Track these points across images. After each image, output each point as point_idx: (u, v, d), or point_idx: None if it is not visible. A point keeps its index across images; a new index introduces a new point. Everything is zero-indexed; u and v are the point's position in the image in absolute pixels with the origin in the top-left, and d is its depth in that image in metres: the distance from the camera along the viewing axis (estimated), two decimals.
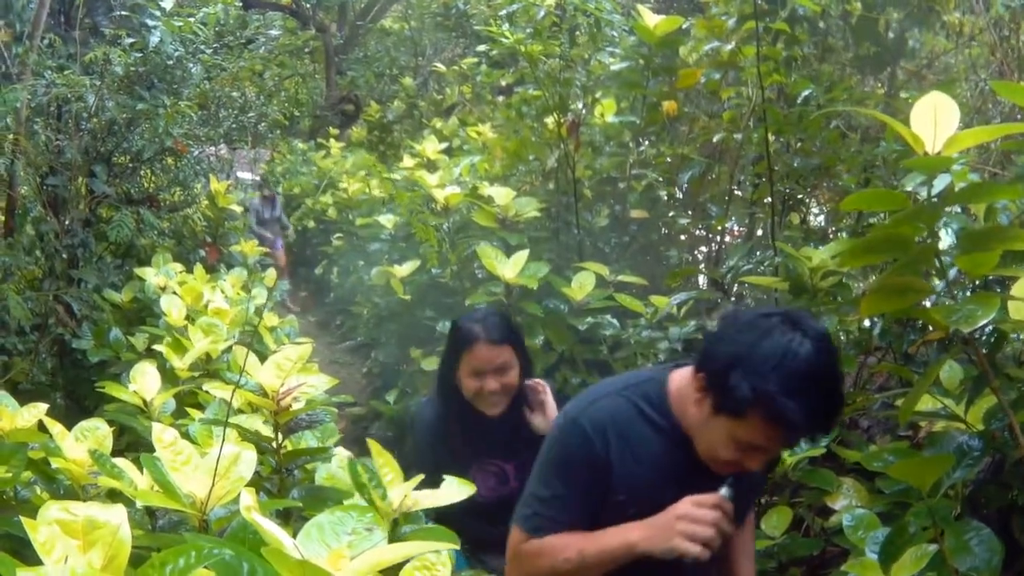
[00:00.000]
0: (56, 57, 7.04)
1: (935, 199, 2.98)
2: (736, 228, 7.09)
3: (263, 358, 3.21)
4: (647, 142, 7.36)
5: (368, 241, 10.01)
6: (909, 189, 3.67)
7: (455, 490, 2.55)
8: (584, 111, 7.27)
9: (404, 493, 2.48)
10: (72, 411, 6.30)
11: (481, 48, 8.45)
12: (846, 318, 4.32)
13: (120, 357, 6.16)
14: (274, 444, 3.10)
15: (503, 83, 10.26)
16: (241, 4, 13.49)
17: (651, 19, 6.22)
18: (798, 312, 2.52)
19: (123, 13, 7.45)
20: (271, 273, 9.35)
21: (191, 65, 7.70)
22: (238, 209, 10.98)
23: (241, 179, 16.00)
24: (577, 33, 7.52)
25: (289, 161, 16.77)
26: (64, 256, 6.87)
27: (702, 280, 6.92)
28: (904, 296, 2.81)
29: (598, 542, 2.56)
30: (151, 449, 2.57)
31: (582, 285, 5.91)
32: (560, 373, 5.87)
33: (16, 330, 6.33)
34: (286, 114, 14.11)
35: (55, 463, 2.94)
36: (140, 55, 7.01)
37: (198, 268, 7.32)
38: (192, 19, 7.47)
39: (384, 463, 2.50)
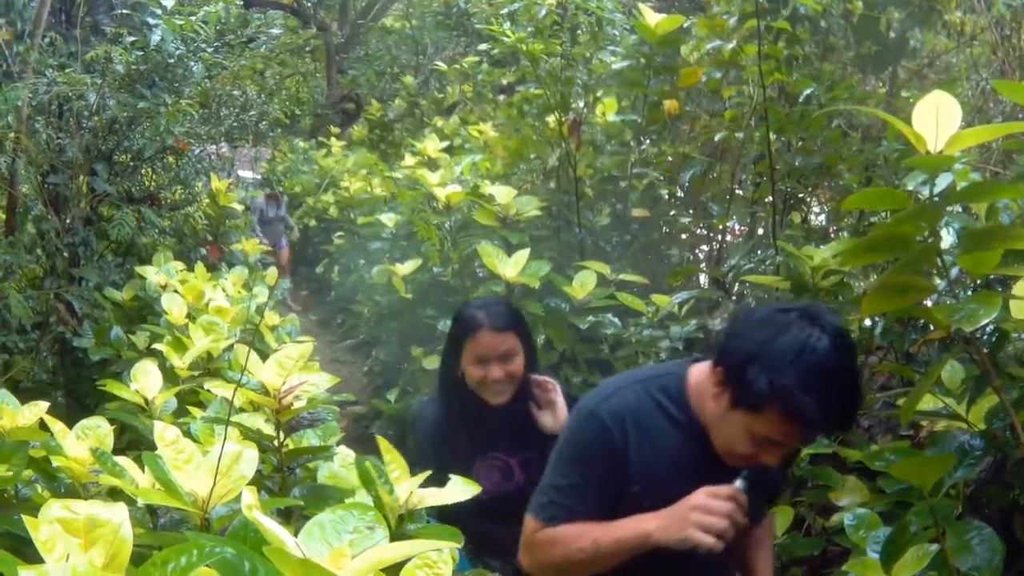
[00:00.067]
0: (57, 55, 7.04)
1: (937, 198, 2.97)
2: (737, 227, 7.08)
3: (264, 356, 3.21)
4: (648, 141, 7.36)
5: (369, 240, 10.02)
6: (910, 188, 3.67)
7: (460, 489, 2.54)
8: (585, 110, 7.27)
9: (410, 490, 2.48)
10: (73, 409, 6.30)
11: (482, 47, 8.45)
12: (848, 317, 4.32)
13: (121, 355, 6.16)
14: (276, 443, 3.10)
15: (504, 82, 10.27)
16: (242, 3, 13.48)
17: (652, 18, 6.22)
18: (817, 307, 2.51)
19: (124, 11, 7.44)
20: (272, 272, 9.35)
21: (192, 63, 7.69)
22: (239, 207, 10.98)
23: (242, 177, 16.00)
24: (578, 32, 7.52)
25: (290, 160, 16.75)
26: (65, 254, 6.87)
27: (703, 279, 6.92)
28: (905, 295, 2.81)
29: (613, 532, 2.56)
30: (152, 448, 2.57)
31: (583, 284, 5.91)
32: (561, 372, 5.87)
33: (17, 328, 6.32)
34: (287, 113, 14.06)
35: (56, 461, 2.94)
36: (141, 53, 7.00)
37: (199, 266, 7.32)
38: (193, 17, 7.46)
39: (391, 460, 2.50)
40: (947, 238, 3.21)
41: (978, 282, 3.74)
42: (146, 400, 3.99)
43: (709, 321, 5.51)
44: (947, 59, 8.13)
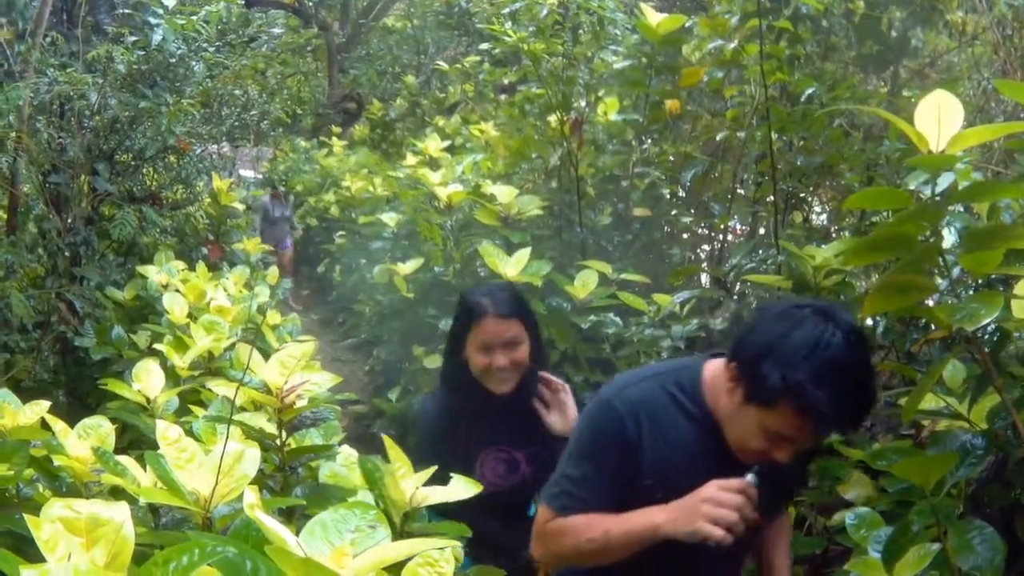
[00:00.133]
0: (59, 55, 7.04)
1: (938, 198, 2.97)
2: (739, 226, 7.09)
3: (266, 356, 3.22)
4: (650, 140, 7.36)
5: (371, 239, 10.03)
6: (912, 188, 3.67)
7: (462, 487, 2.54)
8: (587, 109, 7.27)
9: (415, 488, 2.48)
10: (74, 409, 6.30)
11: (484, 46, 8.44)
12: None
13: (122, 355, 6.17)
14: (278, 442, 3.10)
15: (506, 81, 10.26)
16: (243, 2, 13.53)
17: (654, 17, 6.22)
18: (831, 304, 2.52)
19: (126, 11, 7.44)
20: (273, 271, 9.36)
21: (194, 63, 7.70)
22: (240, 207, 10.99)
23: (244, 177, 16.01)
24: (580, 31, 7.53)
25: (291, 159, 16.79)
26: (66, 254, 6.87)
27: (705, 279, 6.92)
28: (907, 295, 2.81)
29: (623, 523, 2.56)
30: (153, 447, 2.57)
31: (585, 283, 5.91)
32: (563, 371, 5.86)
33: (18, 328, 6.33)
34: (288, 112, 14.10)
35: (58, 460, 2.94)
36: (143, 53, 7.01)
37: (200, 266, 7.32)
38: (195, 17, 7.47)
39: (396, 458, 2.50)
40: (949, 238, 3.21)
41: (980, 282, 3.74)
42: (148, 399, 3.99)
43: (711, 320, 5.52)
44: (949, 59, 8.14)
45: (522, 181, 8.16)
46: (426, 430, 3.87)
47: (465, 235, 7.29)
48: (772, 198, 5.66)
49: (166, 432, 2.50)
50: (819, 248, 4.55)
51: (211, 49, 8.04)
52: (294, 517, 2.91)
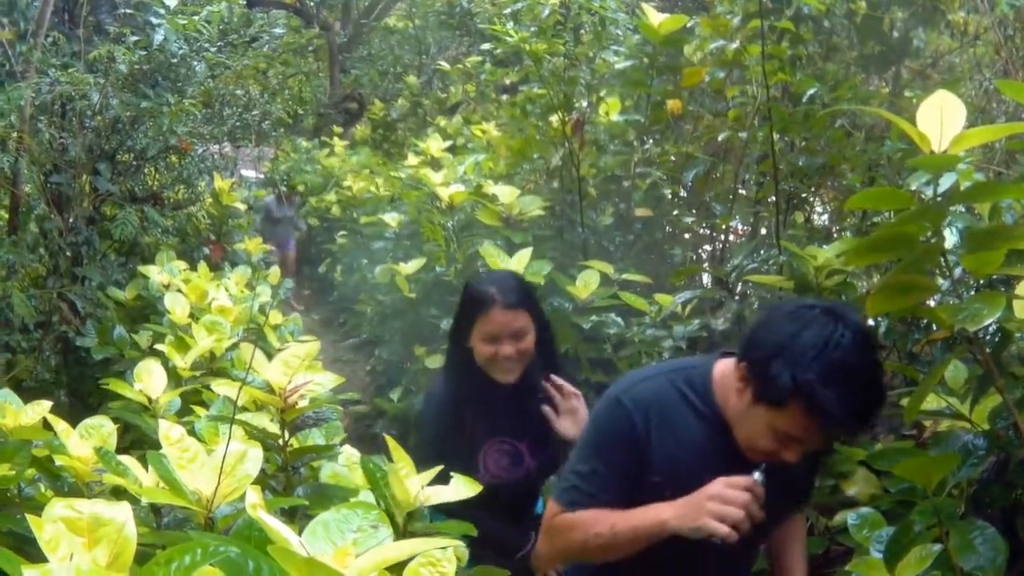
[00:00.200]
0: (60, 55, 7.04)
1: (940, 198, 2.97)
2: (740, 227, 7.08)
3: (267, 356, 3.22)
4: (651, 141, 7.36)
5: (372, 239, 10.04)
6: (914, 188, 3.67)
7: (463, 487, 2.54)
8: (588, 109, 7.28)
9: (418, 488, 2.47)
10: (76, 409, 6.30)
11: (485, 46, 8.45)
12: None
13: (124, 355, 6.17)
14: (280, 442, 3.10)
15: (507, 81, 10.28)
16: (245, 2, 13.54)
17: (655, 18, 6.21)
18: (841, 305, 2.52)
19: (127, 11, 7.44)
20: (275, 271, 9.36)
21: (195, 63, 7.70)
22: (242, 207, 10.99)
23: (245, 177, 16.00)
24: (581, 31, 7.53)
25: (293, 159, 16.79)
26: (68, 254, 6.88)
27: (706, 279, 6.92)
28: (909, 295, 2.81)
29: (630, 519, 2.57)
30: (155, 447, 2.57)
31: (586, 283, 5.91)
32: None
33: (20, 327, 6.33)
34: (290, 112, 14.09)
35: (60, 460, 2.94)
36: (144, 53, 7.01)
37: (202, 266, 7.32)
38: (196, 17, 7.46)
39: (399, 458, 2.50)
40: (950, 238, 3.21)
41: (981, 282, 3.74)
42: (149, 399, 3.99)
43: (712, 321, 5.51)
44: (950, 59, 8.13)
45: (524, 181, 8.16)
46: (430, 418, 3.84)
47: (467, 235, 7.30)
48: (774, 198, 5.65)
49: (169, 432, 2.50)
50: (821, 248, 4.55)
51: (213, 49, 8.03)
52: (296, 517, 2.91)
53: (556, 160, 7.30)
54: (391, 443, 2.57)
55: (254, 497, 2.05)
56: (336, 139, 17.92)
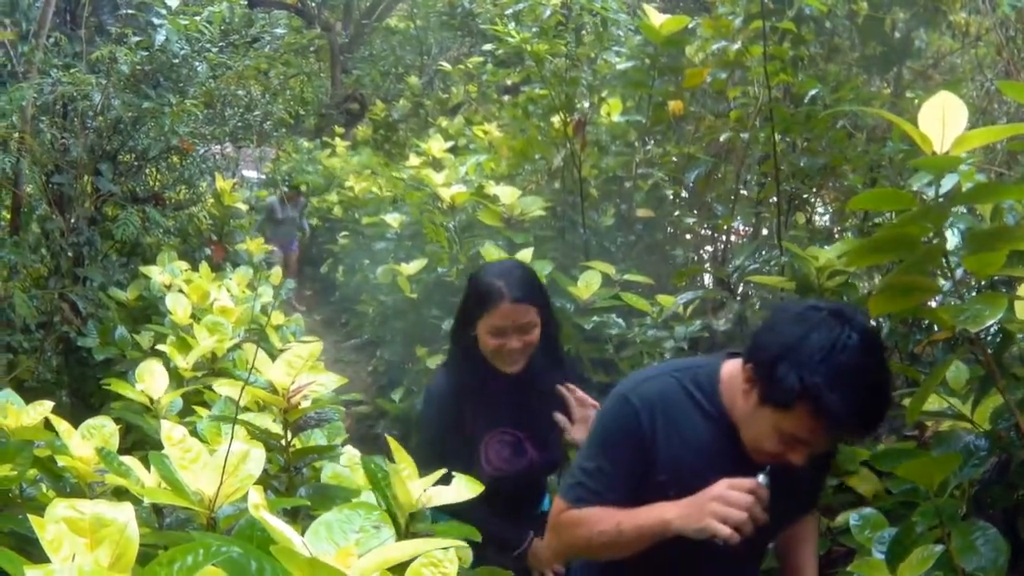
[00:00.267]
0: (62, 56, 7.05)
1: (942, 199, 2.97)
2: (742, 227, 7.07)
3: (270, 356, 3.22)
4: (653, 141, 7.36)
5: (374, 239, 10.04)
6: (915, 189, 3.67)
7: (465, 487, 2.54)
8: (590, 110, 7.27)
9: (421, 489, 2.48)
10: (77, 409, 6.31)
11: (487, 47, 8.46)
12: None
13: (125, 355, 6.18)
14: (283, 442, 3.11)
15: (509, 82, 10.27)
16: (246, 2, 13.51)
17: (657, 18, 6.21)
18: (847, 307, 2.51)
19: (129, 12, 7.45)
20: (276, 271, 9.37)
21: (197, 64, 7.71)
22: (243, 207, 11.00)
23: (246, 177, 16.01)
24: (583, 32, 7.53)
25: (295, 160, 16.80)
26: (70, 254, 6.89)
27: (708, 279, 6.92)
28: (911, 296, 2.81)
29: (635, 518, 2.56)
30: (157, 447, 2.58)
31: (588, 284, 5.90)
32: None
33: (22, 328, 6.34)
34: (291, 113, 14.10)
35: (62, 461, 2.94)
36: (146, 54, 7.02)
37: (203, 266, 7.34)
38: (198, 18, 7.47)
39: (401, 459, 2.50)
40: (952, 239, 3.20)
41: (983, 283, 3.74)
42: (151, 400, 3.99)
43: (714, 321, 5.51)
44: (952, 60, 8.13)
45: (525, 182, 8.17)
46: (432, 408, 3.81)
47: (468, 236, 7.30)
48: (775, 199, 5.65)
49: (171, 432, 2.50)
50: (822, 249, 4.54)
51: (214, 50, 8.04)
52: (299, 517, 2.92)
53: (558, 161, 7.30)
54: (393, 444, 2.57)
55: (257, 497, 2.05)
56: (338, 139, 17.94)
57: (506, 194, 6.97)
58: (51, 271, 6.92)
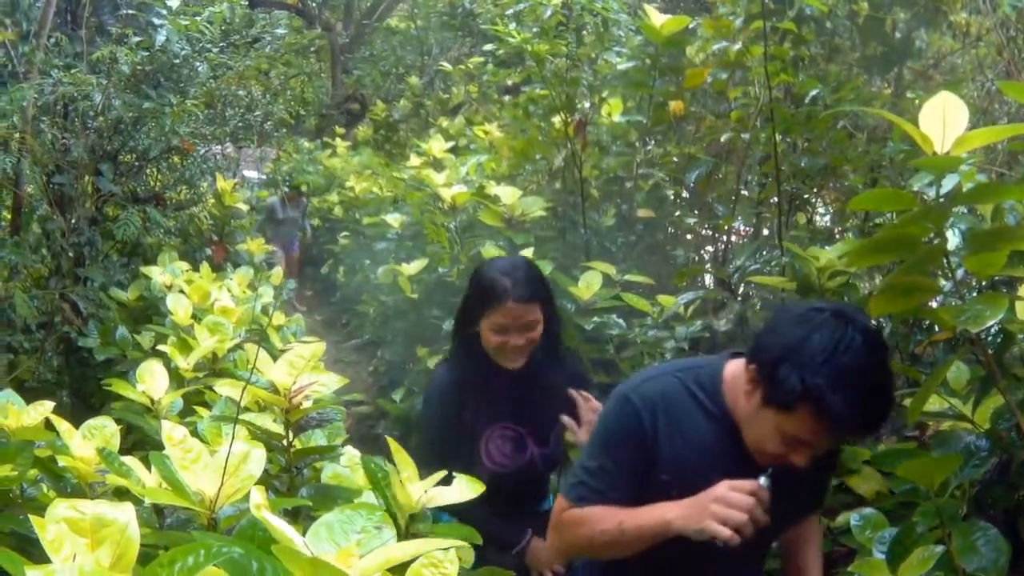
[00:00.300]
0: (62, 56, 7.05)
1: (943, 199, 2.97)
2: (743, 228, 7.07)
3: (271, 357, 3.22)
4: (654, 142, 7.36)
5: (374, 240, 10.04)
6: (916, 189, 3.67)
7: (466, 487, 2.54)
8: (591, 110, 7.27)
9: (421, 490, 2.48)
10: (78, 409, 6.31)
11: (488, 47, 8.45)
12: None
13: (126, 355, 6.18)
14: (285, 442, 3.11)
15: (509, 82, 10.28)
16: (247, 3, 13.52)
17: (658, 19, 6.21)
18: (850, 308, 2.51)
19: (129, 12, 7.45)
20: (277, 272, 9.37)
21: (197, 64, 7.71)
22: (244, 208, 11.00)
23: (247, 178, 16.00)
24: (584, 32, 7.52)
25: (295, 160, 16.79)
26: (70, 254, 6.89)
27: (709, 279, 6.91)
28: (911, 296, 2.81)
29: (636, 517, 2.57)
30: (157, 448, 2.58)
31: (588, 284, 5.90)
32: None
33: (22, 328, 6.34)
34: (292, 113, 14.08)
35: (62, 461, 2.94)
36: (146, 54, 7.02)
37: (204, 266, 7.34)
38: (198, 18, 7.46)
39: (401, 460, 2.50)
40: (953, 239, 3.20)
41: (984, 283, 3.74)
42: (152, 400, 3.99)
43: (714, 322, 5.50)
44: (952, 60, 8.12)
45: (526, 182, 8.17)
46: (434, 400, 3.82)
47: (469, 236, 7.29)
48: (776, 199, 5.65)
49: (171, 433, 2.50)
50: (823, 249, 4.53)
51: (215, 50, 8.04)
52: (299, 518, 2.92)
53: (558, 161, 7.30)
54: (393, 445, 2.57)
55: (258, 497, 2.05)
56: (338, 140, 17.94)
57: (507, 194, 6.96)
58: (52, 271, 6.92)
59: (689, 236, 7.28)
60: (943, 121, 2.60)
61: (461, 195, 7.42)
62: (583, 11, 7.08)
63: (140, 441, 4.20)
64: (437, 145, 10.99)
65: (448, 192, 7.49)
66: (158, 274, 6.99)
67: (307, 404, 3.11)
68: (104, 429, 3.13)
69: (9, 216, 6.94)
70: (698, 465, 2.61)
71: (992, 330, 3.32)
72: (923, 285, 2.80)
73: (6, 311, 6.19)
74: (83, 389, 6.76)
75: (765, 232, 6.67)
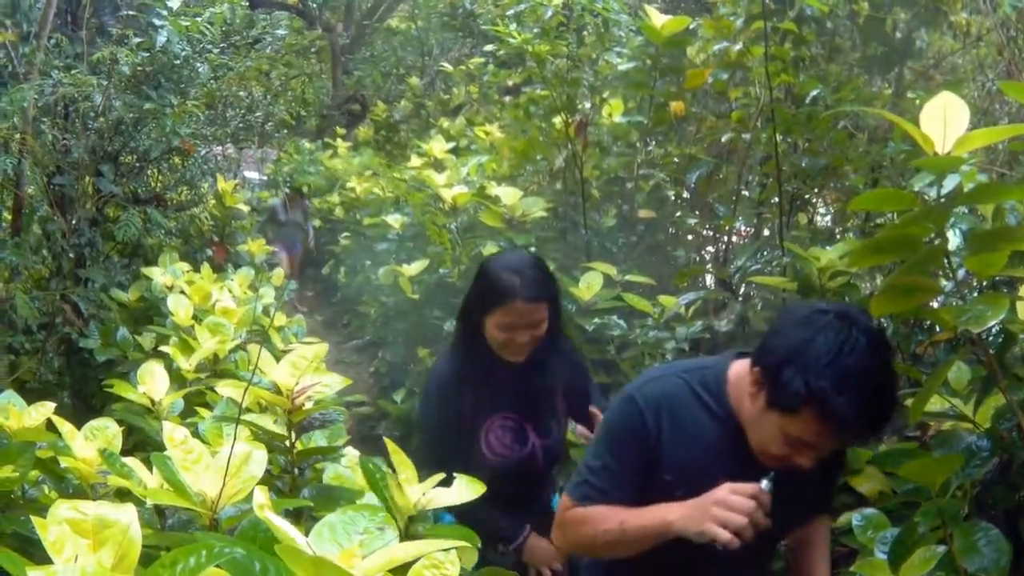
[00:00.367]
0: (63, 57, 7.05)
1: (944, 199, 2.97)
2: (744, 228, 7.07)
3: (275, 358, 3.23)
4: (654, 142, 7.36)
5: (375, 240, 10.05)
6: (917, 189, 3.67)
7: (466, 488, 2.54)
8: (592, 111, 7.27)
9: (419, 492, 2.47)
10: (79, 410, 6.31)
11: (488, 48, 8.46)
12: None
13: (127, 356, 6.18)
14: (287, 443, 3.11)
15: (510, 83, 10.28)
16: (247, 3, 13.53)
17: (658, 19, 6.21)
18: (854, 309, 2.51)
19: (130, 13, 7.45)
20: (278, 272, 9.37)
21: (198, 64, 7.71)
22: (245, 209, 11.00)
23: (248, 178, 16.00)
24: (584, 33, 7.52)
25: (296, 161, 16.79)
26: (71, 255, 6.89)
27: (710, 280, 6.91)
28: (912, 297, 2.81)
29: (639, 518, 2.57)
30: (158, 449, 2.58)
31: (589, 285, 5.90)
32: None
33: (23, 329, 6.34)
34: (292, 114, 14.12)
35: (64, 462, 2.94)
36: (147, 55, 7.02)
37: (205, 267, 7.34)
38: (199, 18, 7.47)
39: (399, 462, 2.50)
40: (954, 240, 3.20)
41: (985, 284, 3.74)
42: (152, 401, 3.99)
43: (715, 322, 5.50)
44: (953, 60, 8.12)
45: (527, 183, 8.17)
46: (434, 390, 3.81)
47: (470, 237, 7.30)
48: (777, 200, 5.65)
49: (173, 434, 2.50)
50: (824, 250, 4.53)
51: (215, 51, 8.05)
52: (302, 519, 2.92)
53: (559, 162, 7.30)
54: (391, 446, 2.57)
55: (262, 497, 2.05)
56: (339, 140, 17.93)
57: (508, 195, 6.96)
58: (53, 272, 6.92)
59: (690, 236, 7.28)
60: (944, 121, 2.60)
61: (462, 196, 7.43)
62: (584, 12, 7.08)
63: (141, 442, 4.20)
64: (438, 146, 10.99)
65: (449, 193, 7.50)
66: (159, 275, 7.00)
67: (310, 405, 3.11)
68: (106, 430, 3.12)
69: (10, 217, 6.94)
70: (703, 466, 2.61)
71: (993, 330, 3.32)
72: (924, 285, 2.79)
73: (7, 312, 6.19)
74: (84, 390, 6.76)
75: (766, 232, 6.67)
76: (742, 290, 5.92)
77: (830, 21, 6.57)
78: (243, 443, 2.53)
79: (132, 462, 2.67)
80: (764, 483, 2.45)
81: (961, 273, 3.08)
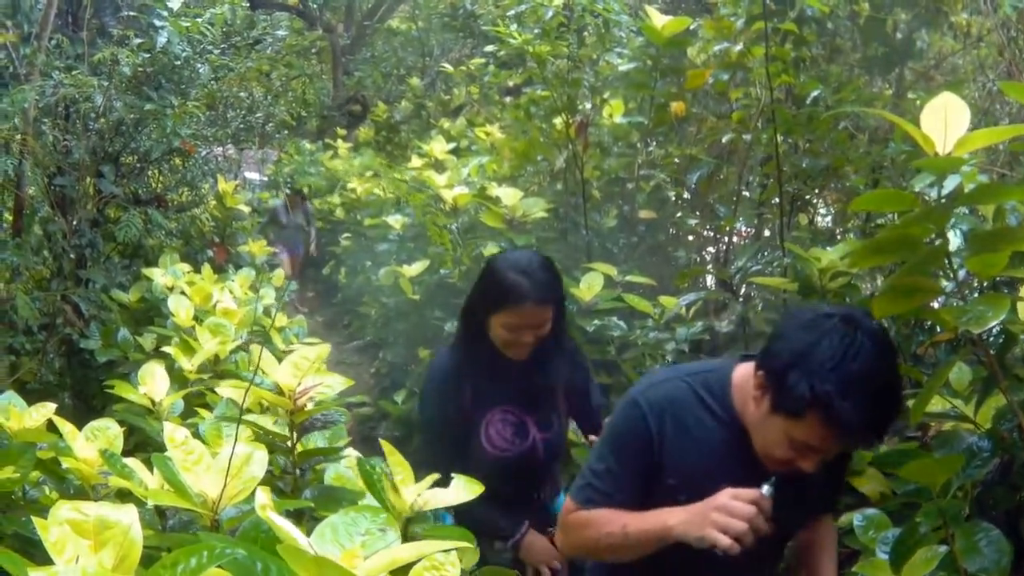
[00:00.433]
0: (64, 58, 7.06)
1: (944, 200, 2.97)
2: (744, 229, 7.07)
3: (277, 359, 3.23)
4: (655, 143, 7.36)
5: (376, 241, 10.05)
6: (918, 190, 3.67)
7: (464, 489, 2.54)
8: (592, 112, 7.27)
9: (416, 493, 2.47)
10: (80, 411, 6.32)
11: (489, 48, 8.45)
12: None
13: (128, 357, 6.18)
14: (289, 444, 3.11)
15: (511, 83, 10.28)
16: (248, 4, 13.53)
17: (659, 20, 6.21)
18: (859, 312, 2.49)
19: (130, 13, 7.46)
20: (279, 273, 9.38)
21: (199, 65, 7.71)
22: (246, 209, 11.00)
23: (249, 179, 16.00)
24: (585, 34, 7.52)
25: (296, 162, 16.80)
26: (72, 256, 6.89)
27: (710, 280, 6.91)
28: (913, 297, 2.80)
29: (641, 522, 2.57)
30: (159, 449, 2.58)
31: (590, 286, 5.90)
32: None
33: (24, 330, 6.35)
34: (293, 114, 14.09)
35: (65, 463, 2.94)
36: (148, 55, 7.02)
37: (206, 268, 7.35)
38: (199, 19, 7.47)
39: (396, 463, 2.50)
40: (954, 240, 3.20)
41: (985, 284, 3.73)
42: (153, 402, 3.99)
43: (716, 323, 5.50)
44: (953, 61, 8.11)
45: (527, 183, 8.17)
46: (434, 384, 3.80)
47: (470, 238, 7.30)
48: (778, 200, 5.64)
49: (174, 434, 2.50)
50: (825, 250, 4.53)
51: (216, 51, 8.05)
52: (303, 520, 2.92)
53: (560, 162, 7.30)
54: (387, 447, 2.57)
55: (263, 498, 2.05)
56: (340, 141, 17.95)
57: (508, 196, 6.96)
58: (53, 273, 6.92)
59: (691, 237, 7.28)
60: (944, 122, 2.60)
61: (463, 196, 7.43)
62: (584, 12, 7.07)
63: (142, 443, 4.20)
64: (438, 146, 11.00)
65: (450, 193, 7.50)
66: (160, 276, 7.00)
67: (312, 406, 3.11)
68: (107, 431, 3.12)
69: (11, 218, 6.94)
70: (706, 469, 2.60)
71: (994, 331, 3.32)
72: (925, 286, 2.79)
73: (8, 313, 6.19)
74: (85, 391, 6.76)
75: (767, 233, 6.67)
76: (743, 291, 5.92)
77: (831, 22, 6.57)
78: (244, 444, 2.53)
79: (133, 463, 2.67)
80: (765, 488, 2.44)
81: (962, 274, 3.08)
